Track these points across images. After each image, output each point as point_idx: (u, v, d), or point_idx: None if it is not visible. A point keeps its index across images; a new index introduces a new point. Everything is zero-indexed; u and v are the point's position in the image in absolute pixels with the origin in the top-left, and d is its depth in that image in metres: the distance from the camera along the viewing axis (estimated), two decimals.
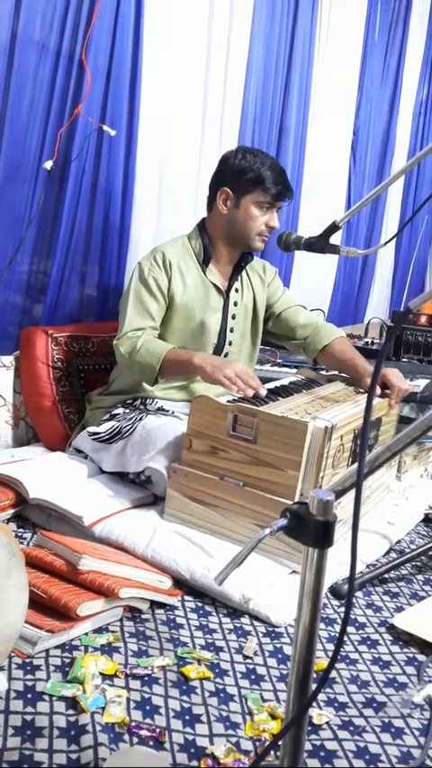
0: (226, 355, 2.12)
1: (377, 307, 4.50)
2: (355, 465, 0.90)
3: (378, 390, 1.97)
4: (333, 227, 1.81)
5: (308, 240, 1.88)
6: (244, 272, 2.14)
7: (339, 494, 0.88)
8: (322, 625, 1.46)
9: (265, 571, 1.55)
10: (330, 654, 1.36)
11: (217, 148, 2.77)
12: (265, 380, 2.11)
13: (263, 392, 1.77)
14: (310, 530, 0.81)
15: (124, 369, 2.00)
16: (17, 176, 2.09)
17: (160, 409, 1.97)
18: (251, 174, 1.96)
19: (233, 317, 2.11)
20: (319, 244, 1.85)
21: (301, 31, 3.18)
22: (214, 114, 2.75)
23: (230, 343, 2.12)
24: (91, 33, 2.14)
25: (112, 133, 2.26)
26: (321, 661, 1.32)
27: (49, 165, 2.13)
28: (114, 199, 2.39)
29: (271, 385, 2.00)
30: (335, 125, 3.62)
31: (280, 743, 0.88)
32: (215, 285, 2.07)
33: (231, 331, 2.12)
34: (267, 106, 3.09)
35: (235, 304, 2.11)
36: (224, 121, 2.82)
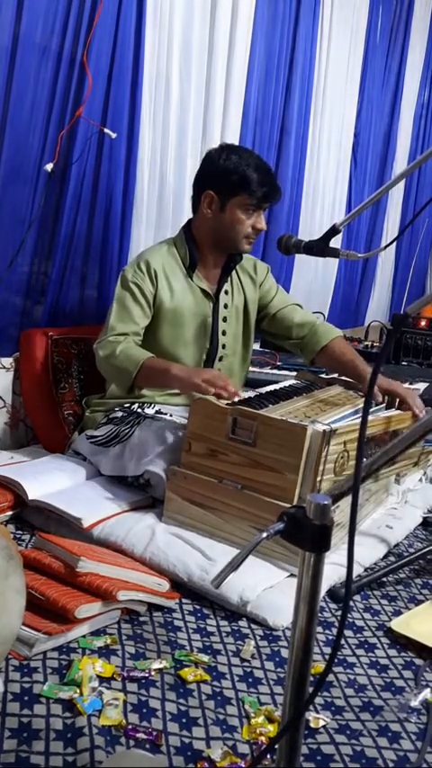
0: (221, 359, 2.11)
1: (377, 310, 4.51)
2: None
3: (380, 397, 1.97)
4: (333, 231, 1.81)
5: (308, 243, 1.88)
6: (234, 273, 2.11)
7: (337, 498, 0.88)
8: (320, 628, 1.46)
9: (264, 574, 1.55)
10: (328, 657, 1.36)
11: None
12: (264, 383, 2.11)
13: (238, 396, 1.76)
14: (307, 534, 0.81)
15: (103, 373, 1.97)
16: (18, 178, 2.09)
17: (158, 413, 1.97)
18: (236, 177, 1.89)
19: (224, 320, 2.09)
20: (319, 247, 1.85)
21: (302, 33, 3.19)
22: (216, 117, 2.76)
23: (224, 347, 2.10)
24: (92, 36, 2.14)
25: (113, 135, 2.26)
26: (319, 664, 1.32)
27: (50, 167, 2.13)
28: (115, 201, 2.39)
29: (270, 388, 2.00)
30: (336, 128, 3.62)
31: (276, 746, 0.88)
32: (203, 290, 2.04)
33: (224, 334, 2.09)
34: (269, 109, 3.10)
35: (225, 306, 2.09)
36: (225, 124, 2.83)
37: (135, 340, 1.94)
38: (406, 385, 2.18)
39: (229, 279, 2.09)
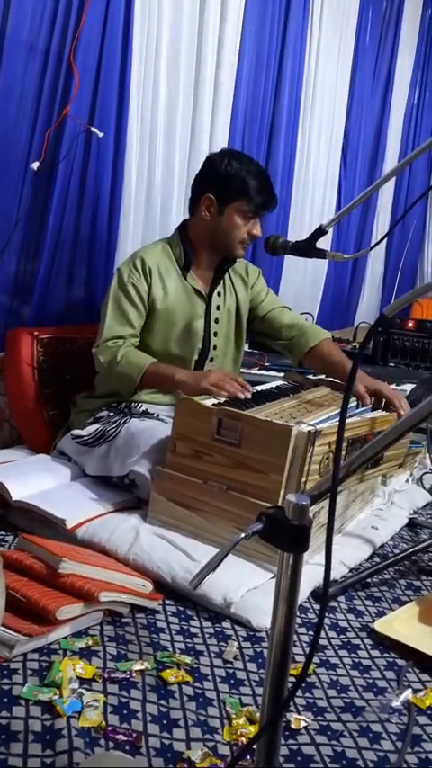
0: (212, 360, 2.12)
1: (367, 310, 4.51)
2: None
3: (368, 399, 1.96)
4: (320, 231, 1.81)
5: (295, 244, 1.89)
6: (226, 275, 2.14)
7: (316, 498, 0.88)
8: (304, 629, 1.46)
9: (248, 575, 1.55)
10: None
11: (207, 151, 2.77)
12: (252, 384, 2.11)
13: (249, 390, 1.81)
14: (285, 534, 0.81)
15: (104, 378, 2.00)
16: (4, 176, 2.08)
17: (145, 412, 1.96)
18: (237, 183, 1.93)
19: (216, 321, 2.11)
20: (306, 248, 1.86)
21: (292, 33, 3.19)
22: (204, 116, 2.75)
23: (215, 348, 2.12)
24: (80, 34, 2.13)
25: (100, 134, 2.25)
26: (301, 665, 1.32)
27: (36, 165, 2.12)
28: (102, 200, 2.38)
29: (257, 388, 1.99)
30: (326, 128, 3.62)
31: (255, 747, 0.88)
32: (196, 290, 2.06)
33: (215, 335, 2.11)
34: (258, 108, 3.09)
35: (218, 308, 2.11)
36: (214, 123, 2.82)
37: (133, 342, 1.98)
38: (393, 386, 2.18)
39: (221, 281, 2.12)
